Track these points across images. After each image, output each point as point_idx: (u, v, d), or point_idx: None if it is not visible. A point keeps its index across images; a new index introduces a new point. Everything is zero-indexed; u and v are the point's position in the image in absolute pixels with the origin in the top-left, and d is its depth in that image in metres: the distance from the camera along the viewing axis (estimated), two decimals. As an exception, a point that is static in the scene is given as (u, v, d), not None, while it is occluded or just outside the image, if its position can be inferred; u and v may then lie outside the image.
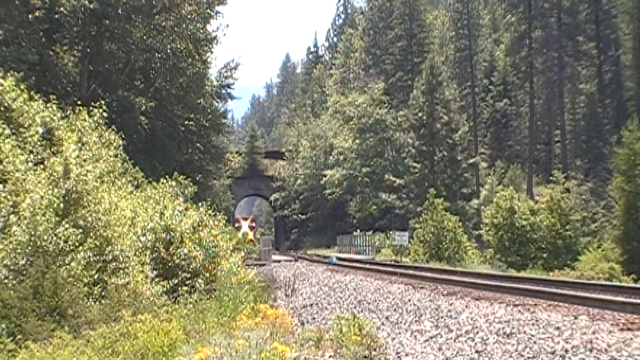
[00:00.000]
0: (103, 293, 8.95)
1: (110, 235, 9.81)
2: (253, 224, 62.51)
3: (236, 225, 60.18)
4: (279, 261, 34.55)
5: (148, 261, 11.11)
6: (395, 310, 11.83)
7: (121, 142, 15.58)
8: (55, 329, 7.30)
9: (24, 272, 8.39)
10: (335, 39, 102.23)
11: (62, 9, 26.18)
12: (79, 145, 11.74)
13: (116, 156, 14.74)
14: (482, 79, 62.00)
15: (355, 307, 12.51)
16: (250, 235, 57.27)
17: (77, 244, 9.09)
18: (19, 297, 7.77)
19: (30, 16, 25.40)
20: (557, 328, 8.51)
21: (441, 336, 8.85)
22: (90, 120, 14.06)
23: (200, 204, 14.14)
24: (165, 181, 15.07)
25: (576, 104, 54.43)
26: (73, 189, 9.62)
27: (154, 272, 11.08)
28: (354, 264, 28.53)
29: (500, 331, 8.70)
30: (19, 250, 8.71)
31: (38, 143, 11.86)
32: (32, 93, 13.28)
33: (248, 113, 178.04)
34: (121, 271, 9.71)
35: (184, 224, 12.26)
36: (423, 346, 8.32)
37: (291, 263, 32.80)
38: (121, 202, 11.24)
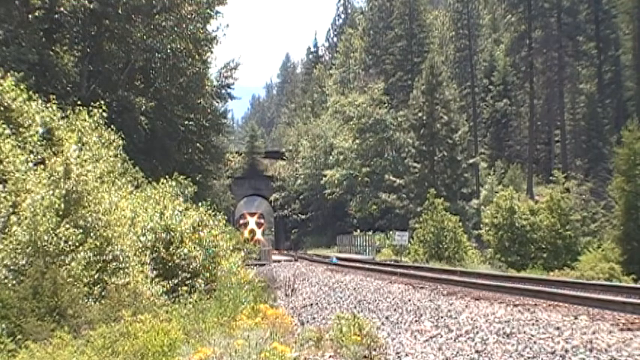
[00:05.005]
0: (103, 293, 8.94)
1: (110, 235, 9.80)
2: (262, 220, 61.63)
3: (241, 222, 59.40)
4: (279, 261, 34.53)
5: (148, 261, 11.10)
6: (395, 310, 11.83)
7: (121, 142, 15.56)
8: (55, 329, 7.30)
9: (24, 272, 8.38)
10: (335, 39, 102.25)
11: (62, 9, 26.14)
12: (79, 145, 11.72)
13: (116, 156, 14.72)
14: (482, 79, 62.03)
15: (355, 307, 12.52)
16: (257, 234, 55.77)
17: (77, 244, 9.08)
18: (19, 297, 7.77)
19: (30, 16, 25.35)
20: (557, 328, 8.51)
21: (441, 336, 8.86)
22: (90, 120, 14.04)
23: (200, 204, 14.13)
24: (165, 181, 15.05)
25: (576, 104, 54.46)
26: (74, 189, 9.61)
27: (154, 272, 11.07)
28: (354, 264, 28.52)
29: (500, 331, 8.70)
30: (20, 250, 8.71)
31: (38, 143, 11.84)
32: (32, 93, 13.26)
33: (248, 113, 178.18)
34: (121, 271, 9.70)
35: (184, 224, 12.25)
36: (423, 346, 8.32)
37: (291, 263, 32.78)
38: (121, 202, 11.23)
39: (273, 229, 79.57)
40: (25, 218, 8.94)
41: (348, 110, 56.65)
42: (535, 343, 7.80)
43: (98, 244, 9.50)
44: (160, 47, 29.33)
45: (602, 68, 54.28)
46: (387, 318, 10.92)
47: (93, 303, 8.64)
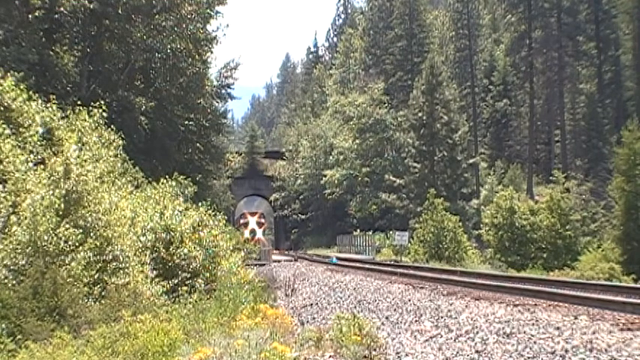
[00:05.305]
0: (103, 293, 8.94)
1: (110, 235, 9.79)
2: (262, 220, 61.56)
3: (241, 221, 59.29)
4: (279, 261, 34.54)
5: (148, 261, 11.09)
6: (395, 310, 11.83)
7: (121, 142, 15.57)
8: (55, 329, 7.30)
9: (24, 272, 8.38)
10: (335, 39, 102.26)
11: (62, 9, 26.14)
12: (79, 145, 11.72)
13: (116, 156, 14.72)
14: (482, 79, 62.03)
15: (355, 307, 12.52)
16: (258, 234, 55.64)
17: (77, 244, 9.08)
18: (19, 297, 7.77)
19: (30, 16, 25.35)
20: (557, 328, 8.51)
21: (441, 336, 8.85)
22: (90, 120, 14.04)
23: (200, 204, 14.13)
24: (165, 181, 15.05)
25: (576, 104, 54.47)
26: (74, 189, 9.61)
27: (154, 272, 11.07)
28: (354, 264, 28.53)
29: (500, 331, 8.70)
30: (19, 250, 8.70)
31: (38, 143, 11.84)
32: (32, 93, 13.26)
33: (248, 113, 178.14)
34: (121, 271, 9.69)
35: (184, 224, 12.25)
36: (423, 346, 8.32)
37: (291, 263, 32.79)
38: (121, 202, 11.22)
39: (273, 229, 79.63)
40: (25, 218, 8.94)
41: (348, 110, 56.65)
42: (535, 343, 7.80)
43: (98, 244, 9.50)
44: (160, 47, 29.32)
45: (602, 68, 54.27)
46: (387, 318, 10.92)
47: (93, 303, 8.63)
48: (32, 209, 8.89)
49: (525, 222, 34.05)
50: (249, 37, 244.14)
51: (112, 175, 12.85)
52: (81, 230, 9.27)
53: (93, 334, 7.02)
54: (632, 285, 18.36)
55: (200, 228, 12.75)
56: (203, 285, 11.48)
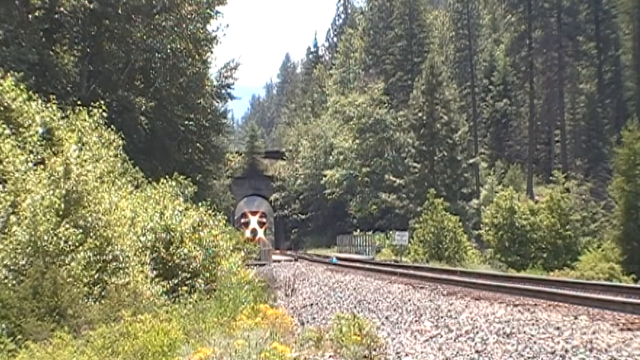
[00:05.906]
0: (103, 293, 8.94)
1: (110, 235, 9.79)
2: (264, 219, 61.58)
3: (242, 221, 59.26)
4: (279, 261, 34.53)
5: (148, 261, 11.09)
6: (395, 310, 11.83)
7: (121, 142, 15.58)
8: (55, 329, 7.30)
9: (24, 272, 8.38)
10: (335, 39, 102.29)
11: (62, 9, 26.15)
12: (79, 145, 11.72)
13: (116, 156, 14.73)
14: (482, 79, 62.03)
15: (355, 307, 12.52)
16: (259, 233, 55.67)
17: (77, 244, 9.08)
18: (19, 297, 7.77)
19: (30, 16, 25.34)
20: (557, 328, 8.51)
21: (441, 336, 8.85)
22: (90, 120, 14.06)
23: (200, 204, 14.13)
24: (165, 181, 15.05)
25: (576, 104, 54.48)
26: (74, 189, 9.61)
27: (154, 272, 11.07)
28: (354, 264, 28.53)
29: (500, 331, 8.70)
30: (19, 250, 8.71)
31: (38, 143, 11.85)
32: (32, 93, 13.26)
33: (248, 113, 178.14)
34: (121, 271, 9.69)
35: (184, 224, 12.25)
36: (423, 346, 8.32)
37: (291, 263, 32.78)
38: (121, 202, 11.22)
39: (273, 229, 79.62)
40: (25, 218, 8.94)
41: (348, 110, 56.66)
42: (535, 343, 7.80)
43: (98, 244, 9.50)
44: (160, 47, 29.33)
45: (602, 68, 54.28)
46: (387, 318, 10.92)
47: (93, 303, 8.63)
48: (32, 209, 8.89)
49: (525, 222, 34.06)
50: (249, 37, 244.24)
51: (112, 175, 12.85)
52: (81, 230, 9.27)
53: (93, 334, 7.02)
54: (632, 285, 18.37)
55: (200, 228, 12.76)
56: (203, 285, 11.48)
